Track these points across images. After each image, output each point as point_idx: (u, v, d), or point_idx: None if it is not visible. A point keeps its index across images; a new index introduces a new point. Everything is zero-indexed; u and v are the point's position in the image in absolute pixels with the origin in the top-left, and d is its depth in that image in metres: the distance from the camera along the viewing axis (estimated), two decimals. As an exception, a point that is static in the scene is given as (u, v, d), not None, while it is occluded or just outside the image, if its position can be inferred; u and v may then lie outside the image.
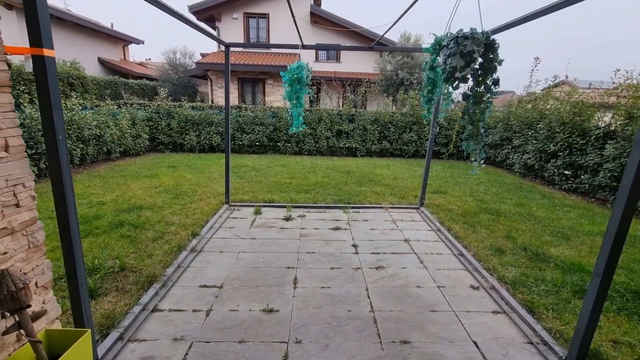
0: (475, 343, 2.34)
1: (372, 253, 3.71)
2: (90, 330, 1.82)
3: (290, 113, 4.33)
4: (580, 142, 6.56)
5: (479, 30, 2.36)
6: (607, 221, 1.83)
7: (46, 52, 1.56)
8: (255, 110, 10.68)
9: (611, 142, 5.89)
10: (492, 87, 2.44)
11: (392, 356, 2.19)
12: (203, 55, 16.85)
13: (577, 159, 6.61)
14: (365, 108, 15.41)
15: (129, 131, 9.04)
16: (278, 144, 10.63)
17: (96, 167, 7.66)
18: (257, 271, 3.23)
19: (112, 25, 18.79)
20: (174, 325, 2.42)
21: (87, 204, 4.92)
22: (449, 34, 2.54)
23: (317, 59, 17.14)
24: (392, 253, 3.73)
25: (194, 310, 2.59)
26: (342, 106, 13.18)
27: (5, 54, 1.63)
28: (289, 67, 4.07)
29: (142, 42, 20.12)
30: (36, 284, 1.81)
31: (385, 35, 4.81)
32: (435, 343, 2.32)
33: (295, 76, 4.05)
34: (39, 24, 1.52)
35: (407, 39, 15.35)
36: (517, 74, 11.88)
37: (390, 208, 5.33)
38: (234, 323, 2.46)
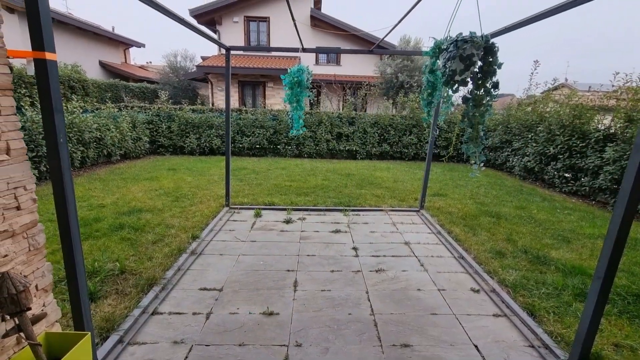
0: (476, 346, 2.33)
1: (373, 256, 3.70)
2: (90, 333, 1.81)
3: (290, 116, 4.35)
4: (580, 144, 6.57)
5: (479, 33, 2.37)
6: (608, 224, 1.83)
7: (48, 55, 1.57)
8: (255, 113, 10.71)
9: (611, 144, 5.89)
10: (492, 90, 2.45)
11: (393, 359, 2.18)
12: (204, 58, 16.91)
13: (577, 162, 6.61)
14: (365, 111, 15.44)
15: (130, 134, 9.05)
16: (278, 146, 10.64)
17: (96, 169, 7.67)
18: (257, 274, 3.22)
19: (113, 29, 18.88)
20: (174, 328, 2.41)
21: (88, 206, 4.92)
22: (448, 38, 2.55)
23: (317, 62, 17.20)
24: (393, 256, 3.72)
25: (194, 313, 2.58)
26: (342, 109, 13.21)
27: (8, 57, 1.64)
28: (289, 70, 4.09)
29: (143, 46, 20.21)
30: (36, 286, 1.81)
31: (385, 39, 4.83)
32: (436, 346, 2.31)
33: (295, 79, 4.06)
34: (41, 27, 1.53)
35: (407, 42, 15.40)
36: (519, 76, 11.89)
37: (391, 211, 5.33)
38: (234, 326, 2.45)
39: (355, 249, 3.87)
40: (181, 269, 3.26)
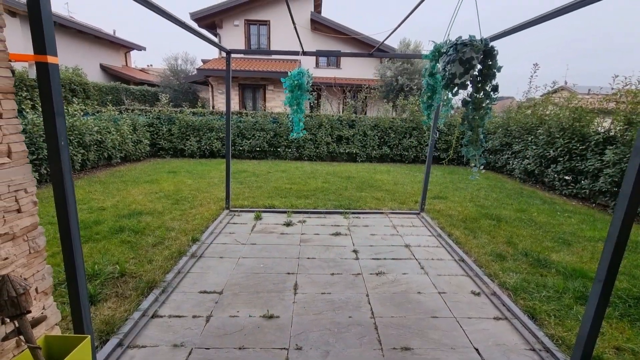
0: (477, 350, 2.32)
1: (373, 259, 3.70)
2: (89, 336, 1.81)
3: (290, 119, 4.36)
4: (580, 147, 6.57)
5: (478, 37, 2.38)
6: (608, 227, 1.83)
7: (50, 59, 1.58)
8: (255, 116, 10.73)
9: (611, 147, 5.90)
10: (492, 93, 2.46)
11: (393, 363, 2.18)
12: (204, 61, 16.98)
13: (577, 165, 6.61)
14: (365, 114, 15.48)
15: (130, 137, 9.07)
16: (278, 149, 10.66)
17: (97, 172, 7.67)
18: (257, 277, 3.22)
19: (114, 32, 18.98)
20: (174, 331, 2.41)
21: (88, 209, 4.92)
22: (448, 41, 2.57)
23: (317, 65, 17.26)
24: (393, 259, 3.72)
25: (194, 316, 2.58)
26: (342, 112, 13.24)
27: (10, 61, 1.65)
28: (289, 74, 4.10)
29: (144, 49, 20.31)
30: (36, 289, 1.81)
31: (385, 42, 4.85)
32: (437, 350, 2.31)
33: (296, 82, 4.08)
34: (44, 31, 1.54)
35: (407, 46, 15.47)
36: (519, 78, 11.91)
37: (391, 213, 5.33)
38: (234, 329, 2.44)
39: (355, 251, 3.87)
40: (181, 271, 3.26)
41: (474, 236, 4.39)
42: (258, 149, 10.57)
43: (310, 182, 7.30)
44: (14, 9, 11.51)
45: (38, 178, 5.91)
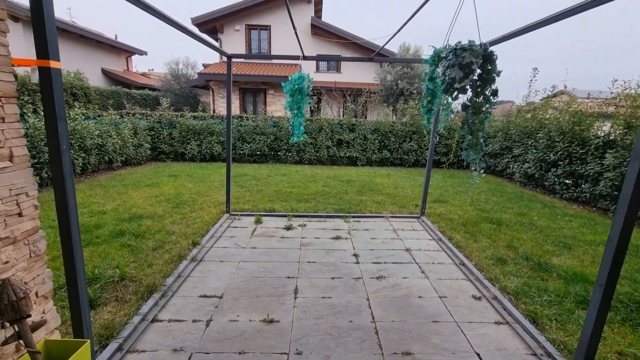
0: (478, 355, 2.31)
1: (373, 263, 3.69)
2: (89, 340, 1.80)
3: (291, 123, 4.37)
4: (580, 151, 6.58)
5: (477, 42, 2.40)
6: (609, 230, 1.83)
7: (52, 63, 1.59)
8: (256, 120, 10.77)
9: (611, 151, 5.91)
10: (491, 97, 2.47)
11: (394, 368, 2.16)
12: (205, 65, 17.07)
13: (577, 168, 6.62)
14: (365, 118, 15.50)
15: (131, 140, 9.10)
16: (279, 153, 10.68)
17: (98, 176, 7.69)
18: (258, 281, 3.21)
19: (116, 37, 19.10)
20: (174, 335, 2.40)
21: (88, 213, 4.92)
22: (447, 46, 2.59)
23: (317, 69, 17.34)
24: (393, 263, 3.71)
25: (194, 321, 2.57)
26: (343, 116, 13.27)
27: (12, 65, 1.66)
28: (290, 78, 4.13)
29: (145, 53, 20.41)
30: (36, 293, 1.81)
31: (385, 47, 4.88)
32: (438, 354, 2.29)
33: (296, 86, 4.10)
34: (46, 36, 1.55)
35: (407, 50, 15.55)
36: (519, 82, 11.95)
37: (391, 217, 5.32)
38: (234, 334, 2.43)
39: (356, 255, 3.86)
40: (181, 275, 3.25)
41: (475, 240, 4.38)
42: (258, 152, 10.59)
43: (310, 185, 7.30)
44: (17, 14, 11.60)
45: (39, 182, 5.92)
